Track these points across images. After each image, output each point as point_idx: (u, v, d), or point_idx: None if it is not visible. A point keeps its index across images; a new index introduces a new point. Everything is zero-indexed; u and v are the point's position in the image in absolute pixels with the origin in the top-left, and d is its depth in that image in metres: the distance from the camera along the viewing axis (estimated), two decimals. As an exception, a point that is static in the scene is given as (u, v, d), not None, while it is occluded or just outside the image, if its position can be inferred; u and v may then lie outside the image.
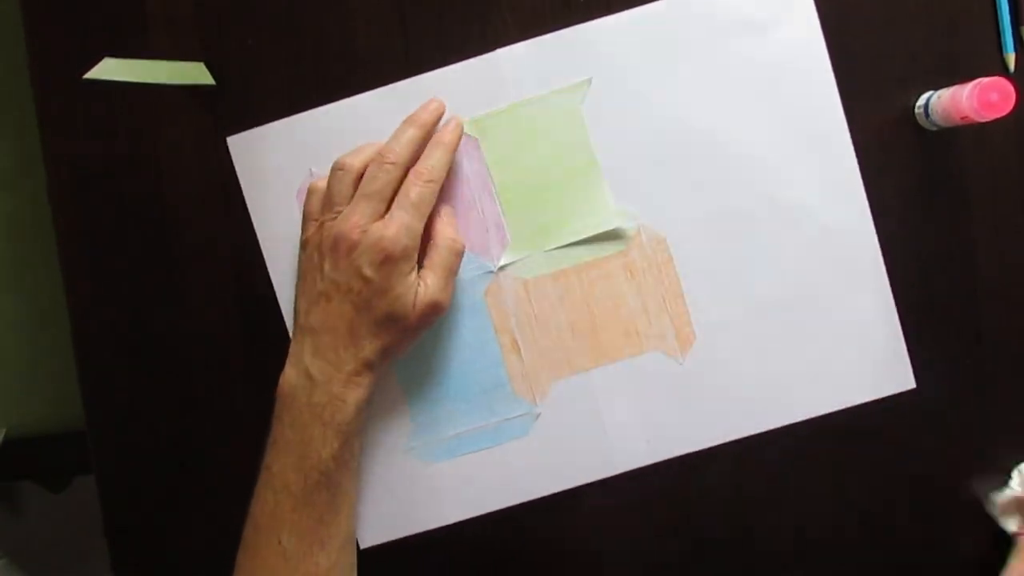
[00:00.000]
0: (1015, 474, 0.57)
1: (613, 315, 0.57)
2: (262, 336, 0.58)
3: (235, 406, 0.59)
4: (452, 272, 0.54)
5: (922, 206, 0.57)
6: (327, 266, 0.52)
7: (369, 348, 0.52)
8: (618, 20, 0.56)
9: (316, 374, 0.52)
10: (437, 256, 0.54)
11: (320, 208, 0.54)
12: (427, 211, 0.53)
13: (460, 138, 0.56)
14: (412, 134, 0.54)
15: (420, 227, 0.52)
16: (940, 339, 0.57)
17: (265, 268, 0.58)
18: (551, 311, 0.57)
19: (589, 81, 0.56)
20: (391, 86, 0.57)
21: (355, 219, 0.51)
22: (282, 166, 0.57)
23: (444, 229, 0.55)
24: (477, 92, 0.56)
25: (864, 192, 0.56)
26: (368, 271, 0.51)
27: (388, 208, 0.52)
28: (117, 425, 0.59)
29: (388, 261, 0.51)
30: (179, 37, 0.58)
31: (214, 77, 0.57)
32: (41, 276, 0.80)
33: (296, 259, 0.57)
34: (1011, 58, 0.55)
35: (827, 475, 0.58)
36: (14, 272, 0.81)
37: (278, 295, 0.58)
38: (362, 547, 0.58)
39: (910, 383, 0.57)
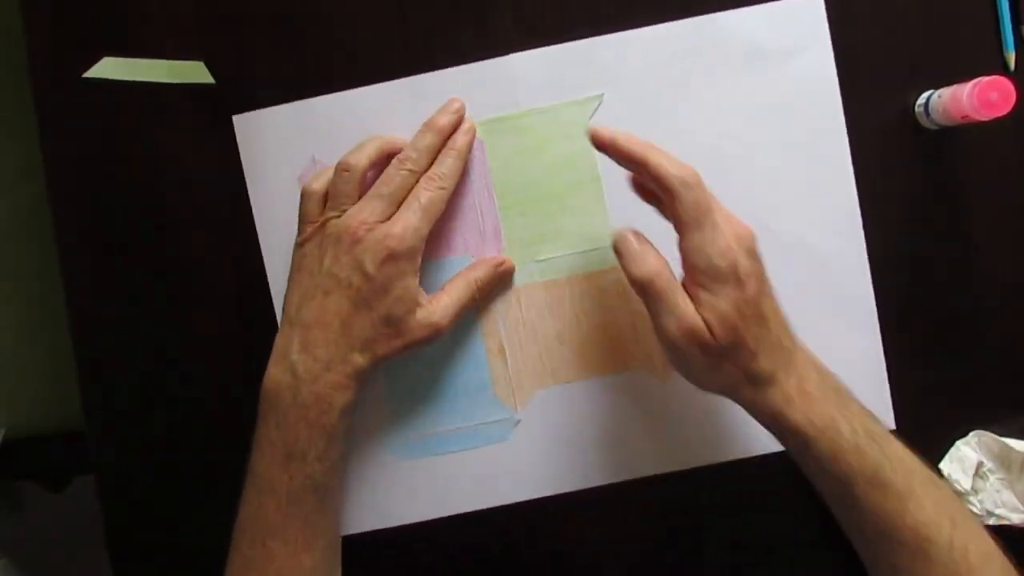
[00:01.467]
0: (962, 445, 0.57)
1: (601, 330, 0.57)
2: (262, 336, 0.58)
3: (235, 406, 0.59)
4: (465, 306, 0.54)
5: (922, 204, 0.57)
6: (327, 260, 0.51)
7: (361, 357, 0.51)
8: (634, 36, 0.56)
9: (302, 372, 0.51)
10: (462, 283, 0.54)
11: (318, 209, 0.53)
12: (435, 215, 0.52)
13: (472, 142, 0.55)
14: (431, 141, 0.53)
15: (426, 230, 0.51)
16: (933, 358, 0.57)
17: (265, 268, 0.58)
18: (540, 320, 0.57)
19: (601, 96, 0.56)
20: (401, 80, 0.56)
21: (362, 216, 0.51)
22: (285, 150, 0.57)
23: (482, 268, 0.55)
24: (488, 95, 0.56)
25: (863, 234, 0.56)
26: (370, 267, 0.50)
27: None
28: (117, 425, 0.59)
29: (391, 259, 0.50)
30: (179, 37, 0.57)
31: (214, 76, 0.57)
32: (41, 277, 0.79)
33: (291, 242, 0.56)
34: (1011, 57, 0.55)
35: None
36: (14, 273, 0.81)
37: (269, 279, 0.58)
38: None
39: (889, 424, 0.56)
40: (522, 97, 0.56)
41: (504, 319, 0.57)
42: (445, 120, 0.54)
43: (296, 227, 0.55)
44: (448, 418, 0.58)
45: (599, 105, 0.56)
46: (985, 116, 0.50)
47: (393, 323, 0.51)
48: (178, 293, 0.59)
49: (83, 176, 0.58)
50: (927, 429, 0.56)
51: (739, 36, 0.56)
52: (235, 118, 0.57)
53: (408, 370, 0.58)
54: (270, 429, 0.51)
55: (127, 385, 0.59)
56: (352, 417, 0.53)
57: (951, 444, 0.57)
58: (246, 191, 0.58)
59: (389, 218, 0.51)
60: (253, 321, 0.58)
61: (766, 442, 0.56)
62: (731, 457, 0.57)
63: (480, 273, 0.55)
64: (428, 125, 0.54)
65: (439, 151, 0.54)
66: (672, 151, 0.55)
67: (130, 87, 0.57)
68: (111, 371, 0.59)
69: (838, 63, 0.56)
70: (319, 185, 0.53)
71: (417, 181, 0.53)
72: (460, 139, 0.54)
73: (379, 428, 0.58)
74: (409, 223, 0.51)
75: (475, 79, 0.56)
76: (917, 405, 0.57)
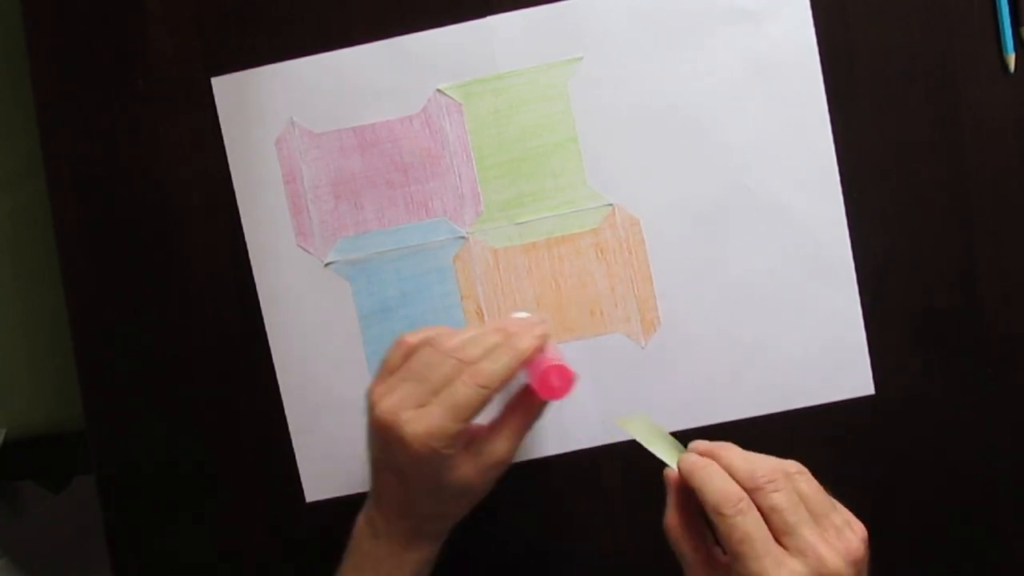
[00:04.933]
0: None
1: (580, 292, 0.57)
2: (262, 335, 0.58)
3: (235, 406, 0.59)
4: (527, 430, 0.48)
5: (922, 205, 0.57)
6: (373, 441, 0.47)
7: (420, 519, 0.48)
8: None
9: (380, 525, 0.48)
10: (522, 418, 0.47)
11: (398, 363, 0.47)
12: (470, 416, 0.44)
13: (536, 350, 0.46)
14: (495, 344, 0.46)
15: (456, 431, 0.44)
16: (937, 345, 0.56)
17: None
18: (518, 282, 0.57)
19: (580, 59, 0.56)
20: (381, 42, 0.56)
21: (392, 401, 0.45)
22: (264, 112, 0.57)
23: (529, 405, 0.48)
24: (466, 56, 0.56)
25: (841, 192, 0.55)
26: (401, 460, 0.45)
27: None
28: (117, 425, 0.59)
29: (421, 461, 0.44)
30: (180, 36, 0.58)
31: (211, 75, 0.57)
32: (41, 276, 0.79)
33: (270, 208, 0.57)
34: (1011, 58, 0.55)
35: None
36: (14, 272, 0.81)
37: (247, 240, 0.57)
38: (309, 500, 0.58)
39: (869, 389, 0.56)
40: (501, 59, 0.56)
41: (483, 282, 0.57)
42: (522, 342, 0.46)
43: (273, 188, 0.56)
44: None
45: (577, 67, 0.56)
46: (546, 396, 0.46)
47: (446, 491, 0.46)
48: (178, 293, 0.58)
49: (83, 176, 0.58)
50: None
51: (717, -4, 0.55)
52: (214, 80, 0.57)
53: (387, 333, 0.57)
54: (349, 570, 0.49)
55: (127, 385, 0.59)
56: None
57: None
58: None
59: (422, 405, 0.45)
60: (253, 321, 0.58)
61: (747, 407, 0.56)
62: (710, 422, 0.57)
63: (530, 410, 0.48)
64: (501, 329, 0.47)
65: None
66: (649, 112, 0.55)
67: (130, 87, 0.57)
68: (111, 371, 0.59)
69: (837, 64, 0.55)
70: (415, 340, 0.47)
71: (459, 375, 0.45)
72: (524, 340, 0.46)
73: (357, 391, 0.56)
74: (434, 425, 0.43)
75: (454, 41, 0.56)
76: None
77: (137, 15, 0.57)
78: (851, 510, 0.43)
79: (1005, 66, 0.55)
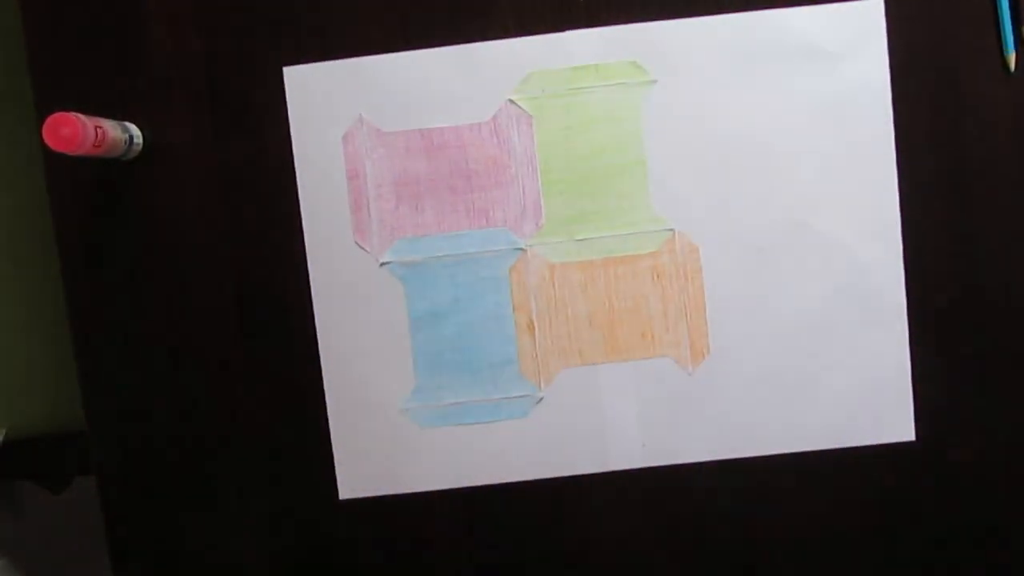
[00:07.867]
0: None
1: (633, 314, 0.57)
2: (262, 336, 0.58)
3: (235, 406, 0.59)
4: None
5: (922, 205, 0.56)
6: None
7: None
8: (693, 24, 0.55)
9: None
10: None
11: None
12: None
13: None
14: None
15: None
16: (938, 344, 0.57)
17: (266, 267, 0.58)
18: (572, 299, 0.57)
19: (654, 83, 0.56)
20: (455, 47, 0.56)
21: None
22: (334, 105, 0.57)
23: None
24: (541, 69, 0.56)
25: (900, 241, 0.55)
26: None
27: None
28: (117, 425, 0.59)
29: None
30: (179, 35, 0.57)
31: (211, 75, 0.57)
32: (41, 276, 0.79)
33: (331, 198, 0.57)
34: (1011, 58, 0.55)
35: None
36: (14, 272, 0.81)
37: (305, 230, 0.58)
38: (342, 498, 0.58)
39: (909, 435, 0.56)
40: (576, 76, 0.56)
41: (537, 295, 0.57)
42: None
43: (336, 183, 0.56)
44: (471, 389, 0.58)
45: (650, 90, 0.56)
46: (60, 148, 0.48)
47: None
48: (178, 293, 0.58)
49: (83, 176, 0.58)
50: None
51: (798, 33, 0.55)
52: (286, 70, 0.57)
53: (436, 337, 0.57)
54: None
55: (127, 385, 0.59)
56: None
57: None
58: (246, 188, 0.58)
59: None
60: (253, 321, 0.58)
61: (789, 441, 0.57)
62: (748, 454, 0.57)
63: None
64: None
65: None
66: (717, 142, 0.56)
67: (130, 87, 0.57)
68: (111, 371, 0.59)
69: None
70: None
71: None
72: None
73: (400, 393, 0.58)
74: None
75: (530, 52, 0.56)
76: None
77: (137, 15, 0.57)
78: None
79: (1006, 66, 0.55)
